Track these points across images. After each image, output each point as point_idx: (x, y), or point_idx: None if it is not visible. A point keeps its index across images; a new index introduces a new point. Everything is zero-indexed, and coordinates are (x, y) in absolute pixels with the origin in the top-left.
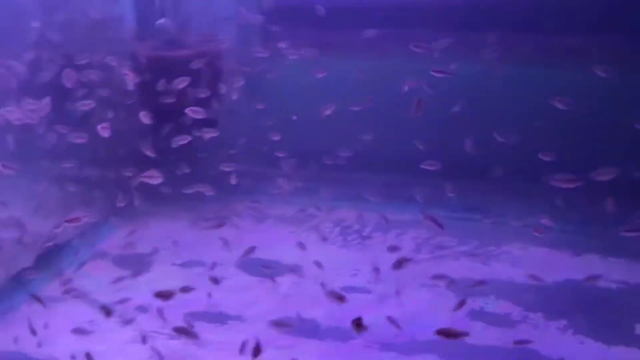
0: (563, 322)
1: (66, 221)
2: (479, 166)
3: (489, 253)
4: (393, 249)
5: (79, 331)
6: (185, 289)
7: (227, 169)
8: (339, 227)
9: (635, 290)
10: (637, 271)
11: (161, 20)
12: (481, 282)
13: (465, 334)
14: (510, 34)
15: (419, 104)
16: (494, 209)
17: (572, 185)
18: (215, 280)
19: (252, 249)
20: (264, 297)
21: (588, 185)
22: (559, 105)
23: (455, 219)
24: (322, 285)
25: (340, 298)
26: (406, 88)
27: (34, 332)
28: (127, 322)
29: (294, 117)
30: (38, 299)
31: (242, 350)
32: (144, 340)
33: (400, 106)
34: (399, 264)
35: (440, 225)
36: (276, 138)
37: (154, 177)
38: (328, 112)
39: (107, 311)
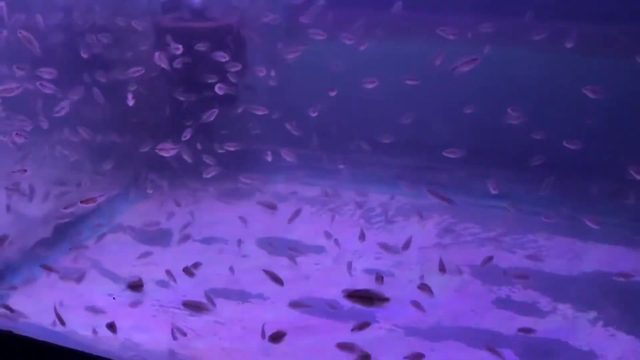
0: (592, 314)
1: (81, 202)
2: (509, 153)
3: (515, 241)
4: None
5: (96, 305)
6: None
7: (251, 147)
8: (362, 210)
9: None
10: None
11: None
12: (506, 272)
13: (385, 299)
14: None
15: (470, 61)
16: (522, 197)
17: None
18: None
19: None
20: (285, 277)
21: (620, 176)
22: (590, 95)
23: (480, 205)
24: (348, 266)
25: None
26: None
27: (59, 318)
28: (146, 297)
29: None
30: (50, 269)
31: (262, 334)
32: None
33: (432, 90)
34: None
35: (447, 200)
36: (310, 115)
37: (167, 150)
38: (370, 85)
39: (134, 286)
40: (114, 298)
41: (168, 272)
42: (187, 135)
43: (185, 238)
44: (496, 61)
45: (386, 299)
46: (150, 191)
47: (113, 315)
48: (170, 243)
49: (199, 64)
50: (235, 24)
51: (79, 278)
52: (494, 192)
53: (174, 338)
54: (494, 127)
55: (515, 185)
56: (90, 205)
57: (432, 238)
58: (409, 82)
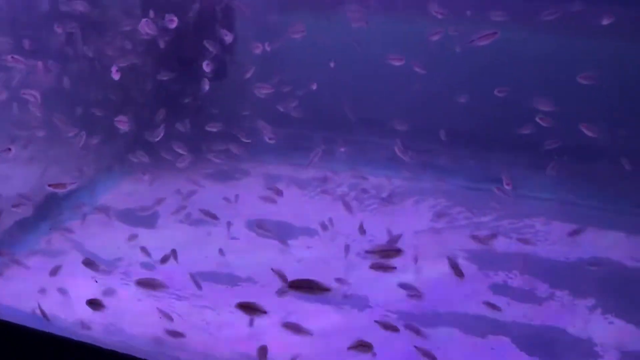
0: (591, 301)
1: (49, 186)
2: (507, 137)
3: (511, 226)
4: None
5: (78, 289)
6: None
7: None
8: (355, 192)
9: None
10: None
11: None
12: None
13: (326, 289)
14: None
15: (488, 35)
16: (518, 181)
17: None
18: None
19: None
20: (276, 260)
21: (618, 163)
22: (584, 81)
23: (476, 189)
24: (346, 249)
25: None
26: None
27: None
28: (131, 279)
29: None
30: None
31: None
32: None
33: (428, 72)
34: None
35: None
36: (296, 97)
37: (122, 122)
38: (397, 62)
39: (90, 263)
40: (96, 281)
41: (144, 249)
42: (168, 114)
43: (172, 218)
44: (500, 43)
45: (327, 289)
46: (145, 176)
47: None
48: (156, 225)
49: (188, 38)
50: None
51: (54, 270)
52: (507, 187)
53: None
54: (492, 111)
55: (514, 170)
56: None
57: (427, 222)
58: (394, 63)
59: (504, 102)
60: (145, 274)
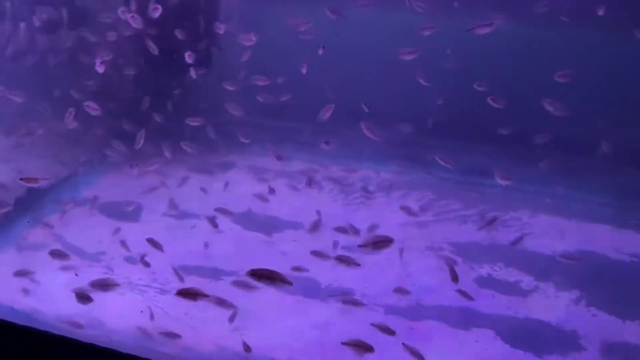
0: (575, 293)
1: (21, 180)
2: (492, 129)
3: (497, 218)
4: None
5: (60, 284)
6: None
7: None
8: (341, 185)
9: None
10: None
11: None
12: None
13: (288, 282)
14: None
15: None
16: (504, 174)
17: None
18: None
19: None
20: (261, 253)
21: (604, 154)
22: (561, 80)
23: (462, 182)
24: (335, 244)
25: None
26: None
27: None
28: (114, 274)
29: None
30: None
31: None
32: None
33: (411, 63)
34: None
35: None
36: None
37: (92, 108)
38: (409, 56)
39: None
40: (76, 275)
41: (123, 243)
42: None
43: (156, 211)
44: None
45: (289, 282)
46: (134, 169)
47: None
48: (139, 219)
49: (171, 28)
50: None
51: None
52: (444, 164)
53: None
54: (478, 104)
55: (500, 162)
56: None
57: (413, 215)
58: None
59: (490, 95)
60: (127, 268)
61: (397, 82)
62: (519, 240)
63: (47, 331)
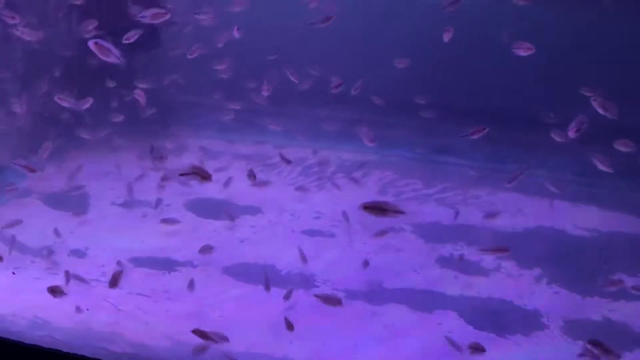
0: (537, 271)
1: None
2: (448, 106)
3: (457, 197)
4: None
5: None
6: None
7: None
8: (300, 167)
9: (607, 239)
10: (609, 219)
11: None
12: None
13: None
14: None
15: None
16: (463, 152)
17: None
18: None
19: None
20: (217, 241)
21: (562, 131)
22: (522, 53)
23: (422, 160)
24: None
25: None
26: None
27: None
28: (59, 270)
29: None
30: None
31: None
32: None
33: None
34: None
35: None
36: (221, 67)
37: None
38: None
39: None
40: (13, 273)
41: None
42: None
43: (104, 200)
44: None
45: (402, 212)
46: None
47: (21, 292)
48: (87, 209)
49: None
50: None
51: None
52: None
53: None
54: (438, 81)
55: (460, 140)
56: None
57: (373, 195)
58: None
59: (449, 70)
60: (74, 262)
61: (349, 59)
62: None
63: None
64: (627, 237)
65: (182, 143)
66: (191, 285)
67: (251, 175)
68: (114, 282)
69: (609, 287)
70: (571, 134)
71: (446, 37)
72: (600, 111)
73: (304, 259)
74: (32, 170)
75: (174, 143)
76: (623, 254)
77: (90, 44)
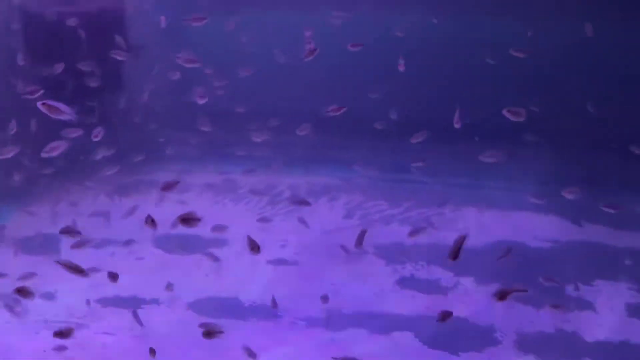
0: (494, 287)
1: None
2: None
3: (421, 216)
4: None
5: None
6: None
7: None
8: (267, 195)
9: (566, 249)
10: (568, 229)
11: None
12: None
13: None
14: None
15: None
16: (424, 170)
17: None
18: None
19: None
20: (182, 277)
21: (518, 142)
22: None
23: (386, 180)
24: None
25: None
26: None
27: None
28: (29, 312)
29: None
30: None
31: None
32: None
33: (321, 61)
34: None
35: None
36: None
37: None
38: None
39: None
40: None
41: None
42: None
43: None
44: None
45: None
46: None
47: None
48: (58, 250)
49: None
50: (115, 7)
51: None
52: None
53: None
54: (400, 102)
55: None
56: None
57: (339, 220)
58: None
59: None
60: (44, 306)
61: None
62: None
63: None
64: (585, 246)
65: (152, 177)
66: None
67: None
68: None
69: (561, 297)
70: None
71: (401, 68)
72: (512, 118)
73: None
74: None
75: (144, 176)
76: (580, 263)
77: (39, 105)
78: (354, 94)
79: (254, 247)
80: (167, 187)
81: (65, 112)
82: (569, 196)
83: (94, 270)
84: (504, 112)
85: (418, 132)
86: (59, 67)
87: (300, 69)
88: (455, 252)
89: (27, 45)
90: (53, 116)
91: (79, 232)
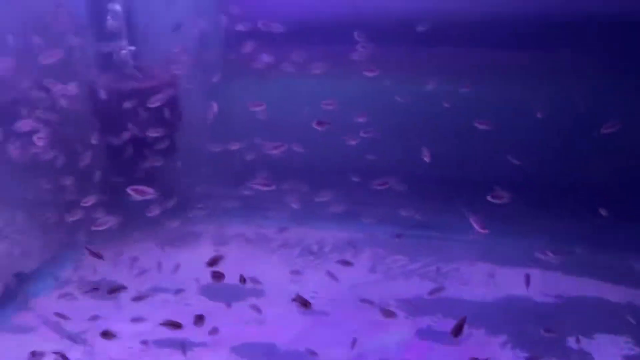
0: (503, 337)
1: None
2: (430, 182)
3: (439, 271)
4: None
5: None
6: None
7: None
8: (298, 248)
9: (568, 304)
10: (571, 285)
11: (123, 50)
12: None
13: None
14: None
15: None
16: (442, 226)
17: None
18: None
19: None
20: (226, 323)
21: (527, 199)
22: (481, 126)
23: (409, 236)
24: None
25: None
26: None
27: None
28: (95, 352)
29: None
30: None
31: None
32: None
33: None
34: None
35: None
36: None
37: (146, 193)
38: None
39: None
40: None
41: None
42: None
43: (131, 288)
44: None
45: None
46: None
47: None
48: (117, 297)
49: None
50: (171, 81)
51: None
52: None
53: None
54: (416, 159)
55: (441, 214)
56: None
57: (365, 274)
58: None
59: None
60: (107, 345)
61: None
62: (438, 289)
63: None
64: (588, 301)
65: (198, 229)
66: None
67: (242, 279)
68: None
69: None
70: None
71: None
72: (496, 201)
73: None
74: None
75: (192, 228)
76: (582, 317)
77: (129, 190)
78: (377, 159)
79: (305, 303)
80: (213, 262)
81: (149, 193)
82: (573, 252)
83: (143, 319)
84: (489, 197)
85: (436, 192)
86: (125, 136)
87: (335, 134)
88: (457, 329)
89: (98, 120)
90: (139, 197)
91: (125, 287)
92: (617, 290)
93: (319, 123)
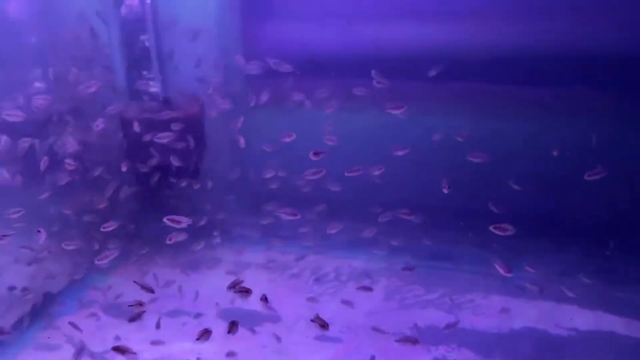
0: None
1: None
2: (444, 214)
3: (454, 302)
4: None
5: None
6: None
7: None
8: (315, 276)
9: (583, 338)
10: (586, 318)
11: (152, 88)
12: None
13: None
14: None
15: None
16: (459, 257)
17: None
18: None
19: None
20: (244, 348)
21: (543, 233)
22: (475, 160)
23: (423, 267)
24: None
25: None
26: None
27: None
28: None
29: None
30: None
31: None
32: None
33: (362, 154)
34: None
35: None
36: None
37: (180, 222)
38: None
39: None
40: None
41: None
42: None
43: (153, 311)
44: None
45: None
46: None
47: None
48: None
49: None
50: (197, 112)
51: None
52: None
53: None
54: (435, 189)
55: (458, 247)
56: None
57: (380, 303)
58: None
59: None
60: None
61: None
62: (453, 324)
63: None
64: (602, 335)
65: (218, 255)
66: None
67: (264, 298)
68: None
69: None
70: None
71: (445, 190)
72: (501, 271)
73: None
74: (151, 291)
75: (211, 254)
76: (596, 351)
77: (165, 220)
78: (394, 193)
79: (323, 324)
80: (234, 285)
81: (183, 222)
82: (587, 284)
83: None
84: (491, 228)
85: (451, 222)
86: (153, 162)
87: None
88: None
89: (127, 148)
90: (175, 226)
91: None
92: (632, 325)
93: (315, 153)
